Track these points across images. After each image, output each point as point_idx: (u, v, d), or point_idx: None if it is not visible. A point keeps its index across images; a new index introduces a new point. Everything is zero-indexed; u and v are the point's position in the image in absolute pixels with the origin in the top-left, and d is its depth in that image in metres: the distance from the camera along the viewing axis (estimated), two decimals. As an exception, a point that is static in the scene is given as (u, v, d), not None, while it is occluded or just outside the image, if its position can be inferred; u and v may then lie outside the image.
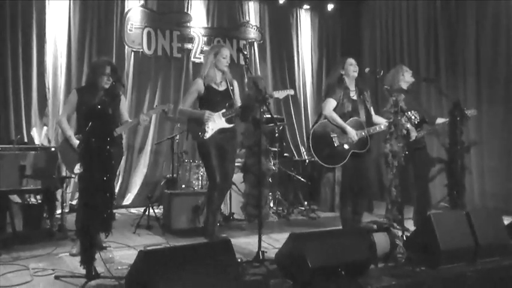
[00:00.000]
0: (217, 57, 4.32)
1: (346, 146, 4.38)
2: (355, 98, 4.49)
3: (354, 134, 4.35)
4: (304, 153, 7.90)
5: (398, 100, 4.06)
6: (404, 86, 4.92)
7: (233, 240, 2.96)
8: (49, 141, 5.82)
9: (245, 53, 4.20)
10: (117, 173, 4.56)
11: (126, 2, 6.94)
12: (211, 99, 4.30)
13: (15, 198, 4.67)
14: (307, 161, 7.20)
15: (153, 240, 4.53)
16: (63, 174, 4.96)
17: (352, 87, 4.51)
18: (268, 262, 3.42)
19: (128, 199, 6.76)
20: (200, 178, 5.60)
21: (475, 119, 5.72)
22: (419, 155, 4.85)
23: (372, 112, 4.60)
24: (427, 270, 3.34)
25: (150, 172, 6.96)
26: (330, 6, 8.43)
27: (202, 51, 7.39)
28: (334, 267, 3.02)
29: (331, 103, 4.43)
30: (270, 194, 5.89)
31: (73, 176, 4.35)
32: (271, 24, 8.17)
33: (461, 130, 4.59)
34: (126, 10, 6.94)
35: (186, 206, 4.91)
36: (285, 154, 7.08)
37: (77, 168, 3.82)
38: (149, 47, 7.08)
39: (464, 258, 3.51)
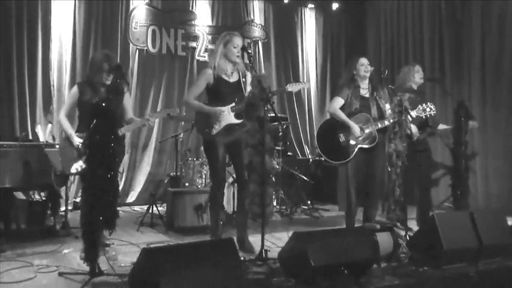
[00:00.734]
0: (228, 47, 4.01)
1: (352, 142, 4.37)
2: (366, 95, 4.49)
3: (357, 129, 4.34)
4: (308, 152, 7.90)
5: (403, 100, 4.06)
6: (415, 85, 4.91)
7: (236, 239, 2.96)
8: (54, 138, 5.83)
9: (249, 51, 4.08)
10: (121, 170, 4.47)
11: (131, 0, 6.96)
12: (221, 92, 3.99)
13: (20, 195, 4.69)
14: (310, 160, 7.20)
15: (156, 238, 4.54)
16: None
17: (364, 85, 4.51)
18: (271, 261, 3.43)
19: (132, 197, 6.78)
20: (204, 176, 5.60)
21: (479, 121, 5.67)
22: (421, 156, 4.84)
23: (387, 109, 4.51)
24: (430, 270, 3.34)
25: (153, 170, 6.97)
26: (335, 6, 8.40)
27: (206, 50, 7.40)
28: (337, 266, 3.03)
29: (336, 101, 4.45)
30: (274, 192, 5.90)
31: (70, 174, 4.26)
32: (276, 23, 8.16)
33: (466, 130, 4.57)
34: (131, 8, 6.94)
35: (189, 204, 4.91)
36: (288, 153, 7.09)
37: (74, 168, 3.82)
38: (154, 45, 7.09)
39: (467, 259, 3.50)
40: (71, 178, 5.59)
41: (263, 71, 7.71)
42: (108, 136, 3.10)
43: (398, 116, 4.08)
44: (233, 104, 3.97)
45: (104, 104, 3.11)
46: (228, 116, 3.97)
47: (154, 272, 2.45)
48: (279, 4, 8.13)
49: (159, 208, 5.51)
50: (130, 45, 6.92)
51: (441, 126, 4.94)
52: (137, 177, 6.90)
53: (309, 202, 6.39)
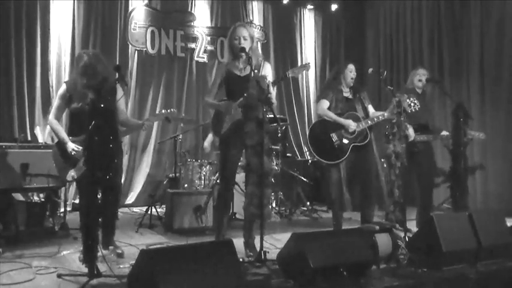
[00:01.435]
0: (231, 40, 3.86)
1: (345, 141, 4.40)
2: (350, 97, 4.56)
3: (352, 124, 4.38)
4: (307, 153, 7.90)
5: (402, 101, 4.06)
6: (418, 89, 4.96)
7: (235, 240, 2.96)
8: (52, 140, 5.82)
9: (248, 52, 4.01)
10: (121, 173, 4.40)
11: (130, 1, 6.95)
12: (230, 87, 3.89)
13: (19, 196, 4.68)
14: (309, 161, 7.20)
15: (155, 240, 4.54)
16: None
17: (345, 89, 4.58)
18: (270, 262, 3.42)
19: (131, 198, 6.77)
20: (203, 178, 5.60)
21: (478, 122, 5.68)
22: (421, 157, 4.84)
23: (371, 109, 4.62)
24: (429, 272, 3.34)
25: (152, 171, 6.97)
26: (334, 7, 8.41)
27: (205, 51, 7.42)
28: (336, 268, 3.02)
29: (323, 103, 4.51)
30: (273, 194, 5.90)
31: (67, 181, 4.15)
32: (275, 24, 8.18)
33: (465, 131, 4.58)
34: (130, 9, 6.95)
35: (188, 206, 4.91)
36: (287, 154, 7.09)
37: (70, 175, 3.70)
38: (153, 46, 7.09)
39: (466, 260, 3.50)
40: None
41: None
42: (107, 137, 3.10)
43: (397, 117, 4.08)
44: (241, 99, 3.77)
45: (102, 105, 3.10)
46: (235, 112, 3.81)
47: (153, 274, 2.44)
48: (278, 5, 8.14)
49: (158, 209, 5.51)
50: (130, 46, 6.93)
51: (444, 133, 4.94)
52: (136, 179, 6.90)
53: (308, 203, 6.39)
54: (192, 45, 7.40)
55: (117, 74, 3.44)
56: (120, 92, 3.79)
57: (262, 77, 3.76)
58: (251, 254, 3.77)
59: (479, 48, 6.44)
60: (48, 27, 6.28)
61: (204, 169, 5.59)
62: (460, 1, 6.75)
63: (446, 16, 6.93)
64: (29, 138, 5.82)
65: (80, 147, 3.59)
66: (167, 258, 2.56)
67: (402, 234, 3.72)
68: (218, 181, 4.25)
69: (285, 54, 8.24)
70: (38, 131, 6.10)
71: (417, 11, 7.46)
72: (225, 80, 3.91)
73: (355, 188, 4.62)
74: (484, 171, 6.27)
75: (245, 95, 3.75)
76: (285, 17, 8.29)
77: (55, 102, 3.88)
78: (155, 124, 6.94)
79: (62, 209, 4.80)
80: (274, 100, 3.86)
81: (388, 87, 4.50)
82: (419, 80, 4.96)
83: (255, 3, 8.01)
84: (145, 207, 5.38)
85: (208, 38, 7.50)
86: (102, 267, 3.13)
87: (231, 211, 5.47)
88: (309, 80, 8.44)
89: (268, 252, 3.56)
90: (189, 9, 7.41)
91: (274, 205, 6.01)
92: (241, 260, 3.34)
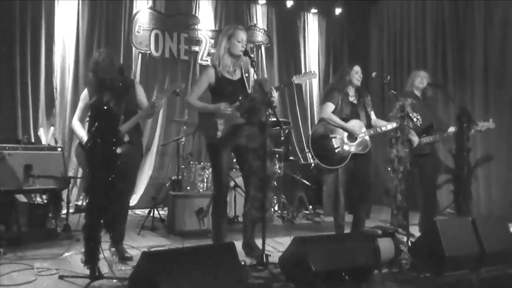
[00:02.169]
0: (231, 41, 3.77)
1: (346, 147, 4.39)
2: (355, 102, 4.52)
3: (357, 129, 4.36)
4: (310, 156, 7.89)
5: (405, 105, 4.05)
6: (416, 90, 4.95)
7: (237, 243, 2.95)
8: (56, 141, 5.83)
9: (252, 56, 3.98)
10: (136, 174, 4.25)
11: (134, 3, 6.98)
12: (224, 90, 3.78)
13: (21, 197, 4.70)
14: (312, 164, 7.19)
15: (157, 242, 4.54)
16: (69, 174, 4.98)
17: (351, 92, 4.53)
18: (272, 265, 3.41)
19: (133, 200, 6.76)
20: (205, 180, 5.60)
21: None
22: (425, 162, 4.83)
23: (373, 116, 4.61)
24: (432, 277, 3.33)
25: (155, 174, 6.97)
26: (338, 10, 8.42)
27: (209, 54, 7.43)
28: (338, 272, 3.01)
29: (329, 106, 4.44)
30: (275, 197, 5.89)
31: None
32: (279, 28, 8.18)
33: (468, 136, 4.56)
34: (134, 12, 6.97)
35: (190, 208, 4.91)
36: (290, 158, 7.08)
37: None
38: (157, 49, 7.11)
39: (469, 265, 3.48)
40: (73, 181, 5.60)
41: (266, 76, 7.73)
42: (109, 138, 3.11)
43: (400, 121, 4.07)
44: (237, 103, 3.75)
45: (105, 107, 3.10)
46: (233, 116, 3.75)
47: (155, 276, 2.44)
48: (281, 9, 8.15)
49: (161, 212, 5.51)
50: (133, 48, 6.95)
51: (451, 129, 4.91)
52: (139, 181, 6.89)
53: (310, 207, 6.38)
54: (196, 48, 7.41)
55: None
56: (139, 88, 3.97)
57: (265, 80, 3.76)
58: (251, 254, 3.77)
59: (483, 50, 6.41)
60: (53, 29, 6.31)
61: (207, 172, 5.59)
62: (464, 4, 6.74)
63: (450, 19, 6.92)
64: (33, 140, 5.83)
65: None
66: (169, 261, 2.56)
67: (405, 239, 3.71)
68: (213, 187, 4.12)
69: (289, 58, 8.25)
70: (41, 132, 6.11)
71: (421, 14, 7.45)
72: (216, 84, 3.80)
73: (351, 194, 4.59)
74: (487, 177, 6.25)
75: (240, 98, 3.74)
76: (289, 20, 8.30)
77: (79, 104, 3.97)
78: (158, 126, 6.95)
79: (65, 211, 4.81)
80: (276, 104, 3.85)
81: (392, 91, 4.49)
82: (421, 82, 4.96)
83: (258, 7, 8.02)
84: (148, 210, 5.38)
85: (212, 41, 7.51)
86: (104, 269, 3.13)
87: (233, 214, 5.47)
88: (312, 83, 8.43)
89: (270, 255, 3.56)
90: (193, 12, 7.43)
91: (276, 208, 6.00)
92: (242, 263, 3.33)
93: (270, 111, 3.61)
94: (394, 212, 4.11)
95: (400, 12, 7.90)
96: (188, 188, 5.55)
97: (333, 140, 4.41)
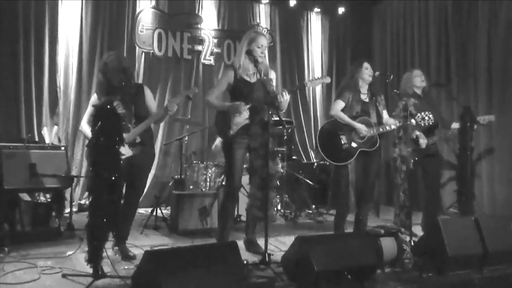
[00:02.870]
0: (252, 46, 3.87)
1: (354, 144, 4.37)
2: (366, 100, 4.48)
3: (363, 128, 4.33)
4: (313, 156, 7.89)
5: (408, 104, 4.05)
6: (418, 90, 4.91)
7: (239, 242, 2.96)
8: (59, 141, 5.86)
9: (255, 55, 4.02)
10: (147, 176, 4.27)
11: (137, 3, 6.98)
12: (242, 92, 3.88)
13: (25, 196, 4.71)
14: (315, 164, 7.19)
15: (160, 241, 4.55)
16: (73, 173, 4.99)
17: (364, 90, 4.50)
18: (275, 265, 3.42)
19: (137, 199, 6.78)
20: (208, 179, 5.61)
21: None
22: (430, 162, 4.82)
23: (385, 115, 4.56)
24: (435, 276, 3.33)
25: (158, 173, 6.97)
26: (341, 10, 8.41)
27: (212, 53, 7.44)
28: (340, 271, 3.01)
29: (338, 104, 4.44)
30: (278, 196, 5.90)
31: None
32: (282, 27, 8.18)
33: (472, 136, 4.55)
34: (137, 11, 6.98)
35: (193, 207, 4.92)
36: (293, 157, 7.08)
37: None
38: (160, 48, 7.12)
39: (472, 265, 3.48)
40: (76, 180, 5.61)
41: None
42: (112, 138, 3.11)
43: (404, 121, 4.07)
44: (249, 105, 3.85)
45: (108, 107, 3.11)
46: (246, 115, 3.87)
47: (157, 275, 2.45)
48: (285, 8, 8.14)
49: (163, 211, 5.52)
50: (137, 48, 6.95)
51: (454, 125, 4.89)
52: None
53: (313, 206, 6.38)
54: (199, 48, 7.42)
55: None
56: (148, 92, 3.92)
57: (268, 79, 3.77)
58: (252, 249, 3.78)
59: (487, 50, 6.38)
60: (56, 28, 6.32)
61: (210, 171, 5.60)
62: (467, 4, 6.72)
63: (453, 18, 6.89)
64: (36, 139, 5.85)
65: None
66: (171, 260, 2.57)
67: (408, 239, 3.71)
68: (224, 183, 4.18)
69: (292, 58, 8.24)
70: (45, 131, 6.13)
71: (424, 14, 7.43)
72: (235, 85, 3.92)
73: (355, 192, 4.59)
74: (490, 176, 6.23)
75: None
76: (292, 20, 8.29)
77: (88, 108, 3.99)
78: (161, 126, 6.96)
79: (68, 210, 4.82)
80: (284, 106, 3.86)
81: (395, 90, 4.49)
82: (422, 81, 4.92)
83: (262, 6, 8.02)
84: (151, 209, 5.39)
85: (215, 41, 7.52)
86: (107, 268, 3.15)
87: (236, 214, 5.48)
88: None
89: (272, 254, 3.56)
90: (196, 12, 7.43)
91: (279, 208, 6.00)
92: (245, 262, 3.34)
93: (272, 110, 3.62)
94: (397, 212, 4.11)
95: (403, 12, 7.87)
96: (191, 187, 5.57)
97: (341, 136, 4.41)
